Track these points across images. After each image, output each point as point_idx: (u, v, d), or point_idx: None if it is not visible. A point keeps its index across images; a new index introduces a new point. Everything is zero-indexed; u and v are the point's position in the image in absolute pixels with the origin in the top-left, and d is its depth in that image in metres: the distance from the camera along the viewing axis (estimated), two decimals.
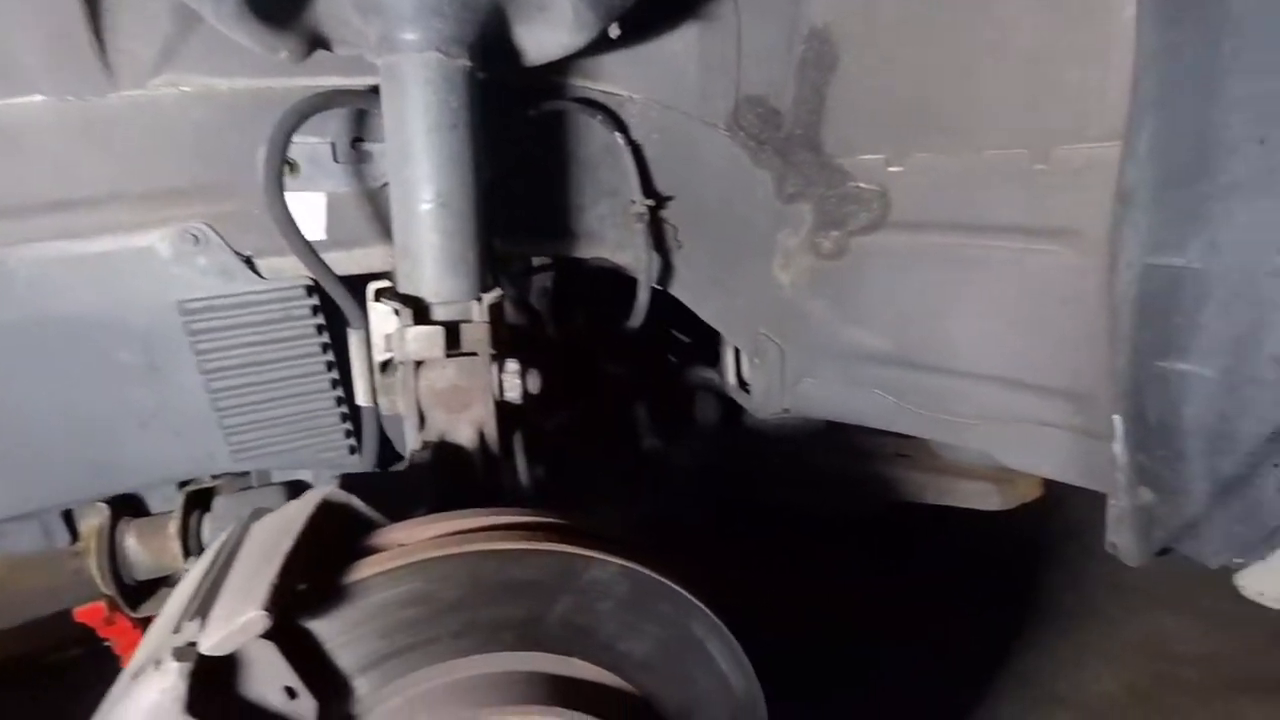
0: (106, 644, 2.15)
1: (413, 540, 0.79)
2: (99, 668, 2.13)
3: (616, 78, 1.47)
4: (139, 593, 1.49)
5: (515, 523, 0.81)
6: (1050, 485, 1.67)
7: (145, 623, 1.61)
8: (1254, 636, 2.02)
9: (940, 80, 1.26)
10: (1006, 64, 1.17)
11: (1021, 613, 2.20)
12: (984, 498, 1.58)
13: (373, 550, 0.78)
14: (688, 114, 1.52)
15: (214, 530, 1.48)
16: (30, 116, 1.14)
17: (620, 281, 1.68)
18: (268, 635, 0.67)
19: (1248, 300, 0.92)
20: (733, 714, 0.94)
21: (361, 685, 0.77)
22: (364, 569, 0.75)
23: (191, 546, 1.47)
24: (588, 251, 1.57)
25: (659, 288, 1.63)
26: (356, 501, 0.82)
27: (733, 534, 1.74)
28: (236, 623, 0.64)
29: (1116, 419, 1.07)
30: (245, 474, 1.59)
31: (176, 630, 0.67)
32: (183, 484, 1.51)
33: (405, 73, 1.08)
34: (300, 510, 0.78)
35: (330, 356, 1.39)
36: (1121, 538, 1.15)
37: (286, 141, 1.15)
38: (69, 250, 1.20)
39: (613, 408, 1.86)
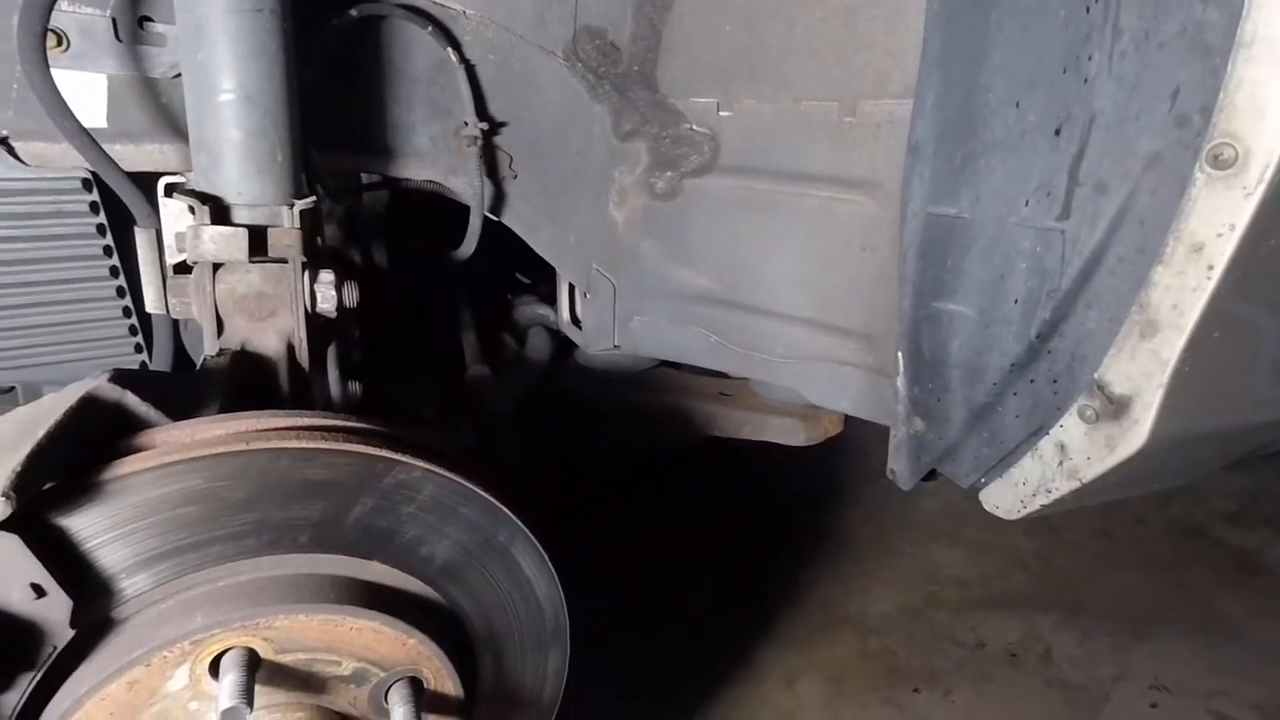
0: None
1: (196, 438, 0.75)
2: None
3: None
4: None
5: (314, 425, 0.80)
6: (855, 432, 1.87)
7: None
8: (1000, 562, 2.41)
9: (766, 28, 1.32)
10: (825, 17, 1.24)
11: (825, 545, 2.47)
12: (791, 433, 1.73)
13: (145, 448, 0.74)
14: (525, 38, 1.49)
15: None
16: None
17: (457, 208, 1.64)
18: (6, 527, 0.62)
19: (1000, 248, 1.02)
20: (535, 618, 0.99)
21: (128, 586, 0.73)
22: (129, 465, 0.71)
23: None
24: (417, 173, 1.52)
25: (492, 216, 1.61)
26: (130, 397, 0.76)
27: (548, 467, 1.80)
28: None
29: (899, 355, 1.19)
30: (10, 389, 1.42)
31: None
32: None
33: None
34: (59, 402, 0.72)
35: (115, 261, 1.26)
36: (899, 464, 1.28)
37: (49, 3, 1.00)
38: None
39: (440, 337, 1.83)
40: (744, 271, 1.55)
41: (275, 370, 1.04)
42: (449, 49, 1.40)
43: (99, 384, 0.75)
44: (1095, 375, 0.90)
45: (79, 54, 1.12)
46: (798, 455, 1.94)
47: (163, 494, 0.72)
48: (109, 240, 1.24)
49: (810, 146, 1.36)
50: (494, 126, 1.50)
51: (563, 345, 1.99)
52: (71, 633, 0.69)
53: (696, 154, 1.53)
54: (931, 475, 1.33)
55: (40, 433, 0.67)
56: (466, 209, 1.59)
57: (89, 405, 0.73)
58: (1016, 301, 1.03)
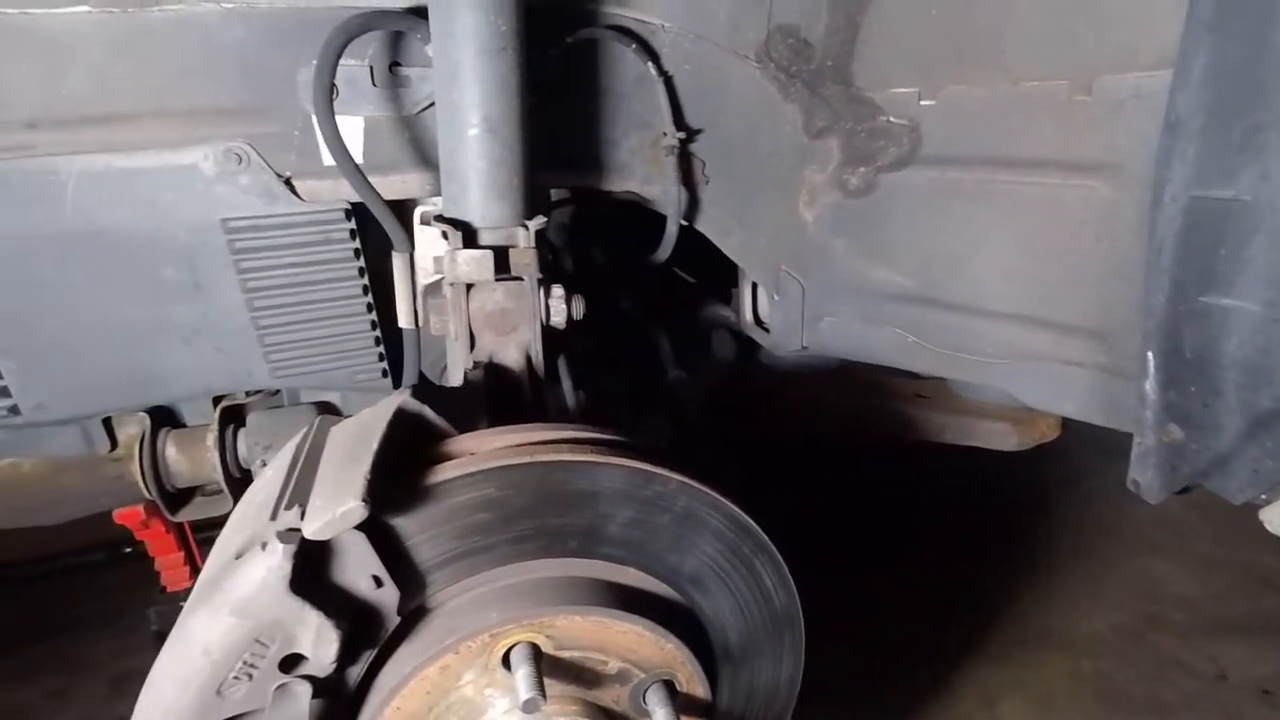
0: (129, 550, 2.25)
1: (483, 449, 0.84)
2: (116, 571, 2.23)
3: (649, 6, 1.45)
4: (177, 500, 1.56)
5: (581, 437, 0.86)
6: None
7: (179, 528, 1.69)
8: (1242, 580, 2.14)
9: (979, 9, 1.25)
10: None
11: (1018, 553, 2.31)
12: (1001, 438, 1.64)
13: (447, 457, 0.83)
14: (719, 44, 1.51)
15: (249, 444, 1.53)
16: (75, 27, 1.12)
17: (634, 218, 1.70)
18: (359, 526, 0.72)
19: None
20: (773, 629, 1.01)
21: (435, 581, 0.83)
22: (444, 472, 0.79)
23: (228, 458, 1.52)
24: (617, 185, 1.58)
25: (684, 223, 1.65)
26: (428, 411, 0.86)
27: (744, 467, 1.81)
28: (336, 512, 0.69)
29: (1149, 356, 1.09)
30: (276, 392, 1.63)
31: (273, 518, 0.72)
32: (216, 399, 1.55)
33: None
34: (379, 415, 0.82)
35: (366, 280, 1.42)
36: (1145, 475, 1.15)
37: (336, 60, 1.14)
38: (114, 164, 1.21)
39: (632, 342, 1.90)
40: (947, 267, 1.49)
41: (518, 381, 1.13)
42: (649, 63, 1.45)
43: (404, 399, 0.85)
44: None
45: (345, 100, 1.26)
46: (983, 453, 1.83)
47: (465, 500, 0.81)
48: (362, 263, 1.40)
49: (1031, 131, 1.27)
50: (690, 134, 1.53)
51: (746, 345, 2.00)
52: (398, 619, 0.79)
53: (894, 147, 1.48)
54: (1185, 489, 1.21)
55: (374, 444, 0.76)
56: (643, 218, 1.64)
57: (400, 418, 0.83)
58: None
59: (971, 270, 1.44)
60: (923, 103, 1.40)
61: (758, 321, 1.90)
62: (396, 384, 1.57)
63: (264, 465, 1.42)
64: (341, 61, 1.24)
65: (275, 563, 0.68)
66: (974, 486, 2.58)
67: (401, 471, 0.80)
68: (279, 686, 0.72)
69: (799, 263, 1.68)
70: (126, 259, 1.26)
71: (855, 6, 1.36)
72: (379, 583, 0.76)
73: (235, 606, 0.68)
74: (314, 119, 1.28)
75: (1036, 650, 1.98)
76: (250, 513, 0.80)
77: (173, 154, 1.23)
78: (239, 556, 0.70)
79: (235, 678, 0.70)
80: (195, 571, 1.69)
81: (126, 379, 1.36)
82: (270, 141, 1.28)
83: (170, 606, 1.63)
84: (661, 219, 1.59)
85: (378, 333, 1.48)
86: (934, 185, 1.43)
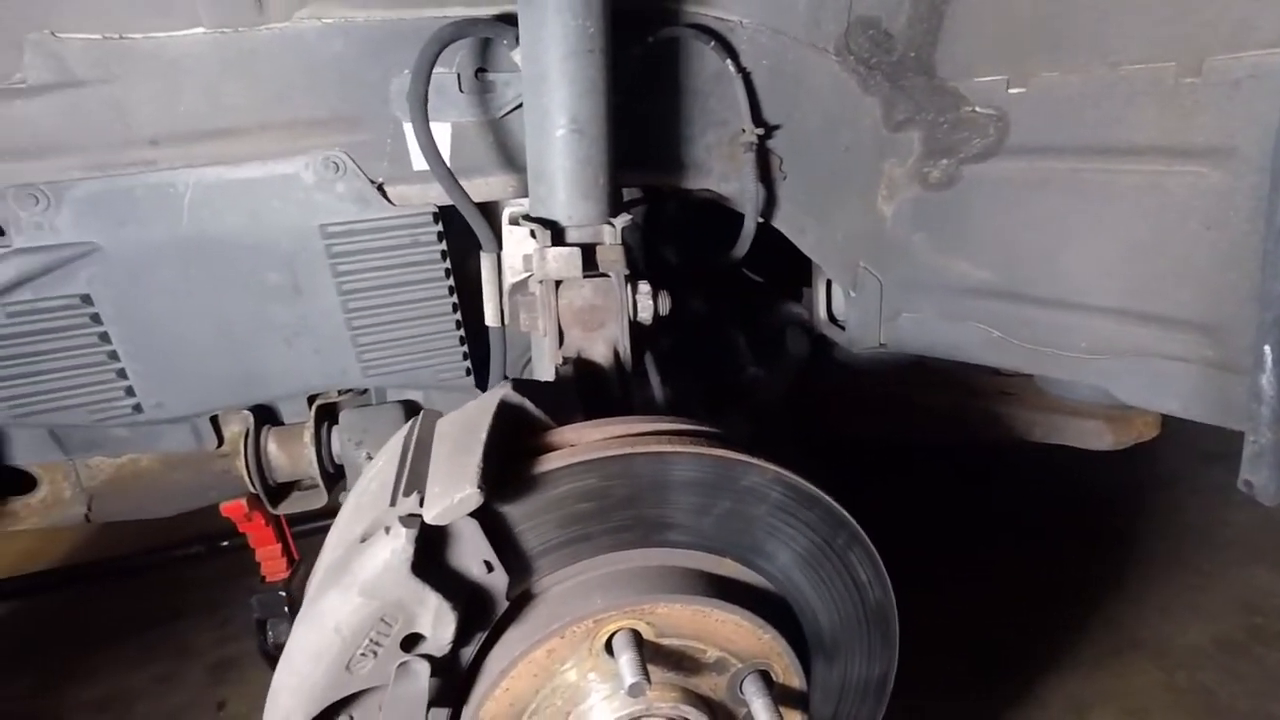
0: (225, 544, 2.37)
1: (584, 441, 0.86)
2: (215, 563, 2.35)
3: (728, 3, 1.46)
4: (277, 494, 1.64)
5: (679, 429, 0.87)
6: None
7: (277, 520, 1.77)
8: None
9: None
10: None
11: (1107, 557, 2.21)
12: (1095, 436, 1.58)
13: (548, 448, 0.85)
14: (797, 39, 1.50)
15: (342, 441, 1.60)
16: (192, 48, 1.20)
17: (703, 216, 1.70)
18: (473, 513, 0.75)
19: None
20: (866, 623, 1.00)
21: (541, 567, 0.85)
22: (550, 462, 0.82)
23: (323, 454, 1.60)
24: (694, 183, 1.59)
25: (760, 220, 1.64)
26: (529, 404, 0.88)
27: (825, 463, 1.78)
28: (454, 498, 0.72)
29: (1267, 349, 1.03)
30: (364, 391, 1.70)
31: (393, 504, 0.76)
32: (310, 398, 1.63)
33: None
34: (483, 408, 0.85)
35: (451, 281, 1.46)
36: (1259, 475, 1.09)
37: (431, 68, 1.19)
38: (225, 176, 1.28)
39: (705, 341, 1.90)
40: (1035, 260, 1.44)
41: (606, 376, 1.15)
42: (727, 60, 1.45)
43: (507, 392, 0.88)
44: None
45: (433, 107, 1.30)
46: (1065, 453, 1.76)
47: (568, 489, 0.83)
48: (448, 264, 1.45)
49: (1131, 116, 1.22)
50: (768, 130, 1.53)
51: (820, 340, 1.98)
52: (506, 604, 0.82)
53: (979, 137, 1.45)
54: None
55: (482, 435, 0.79)
56: (713, 216, 1.64)
57: (504, 411, 0.86)
58: None
59: (1063, 263, 1.39)
60: (1011, 91, 1.36)
61: (832, 319, 1.88)
62: (478, 382, 1.62)
63: (368, 458, 1.48)
64: (434, 70, 1.29)
65: (399, 545, 0.71)
66: (1057, 486, 2.48)
67: (508, 462, 0.83)
68: (400, 664, 0.75)
69: (877, 258, 1.65)
70: (235, 265, 1.34)
71: None
72: (490, 567, 0.78)
73: (363, 587, 0.71)
74: (405, 126, 1.33)
75: (1129, 659, 1.89)
76: (367, 501, 0.84)
77: (276, 164, 1.30)
78: (364, 540, 0.74)
79: (362, 654, 0.73)
80: (291, 562, 1.77)
81: (235, 379, 1.44)
82: (364, 149, 1.34)
83: (271, 595, 1.71)
84: (731, 217, 1.59)
85: (462, 332, 1.53)
86: (1022, 176, 1.40)
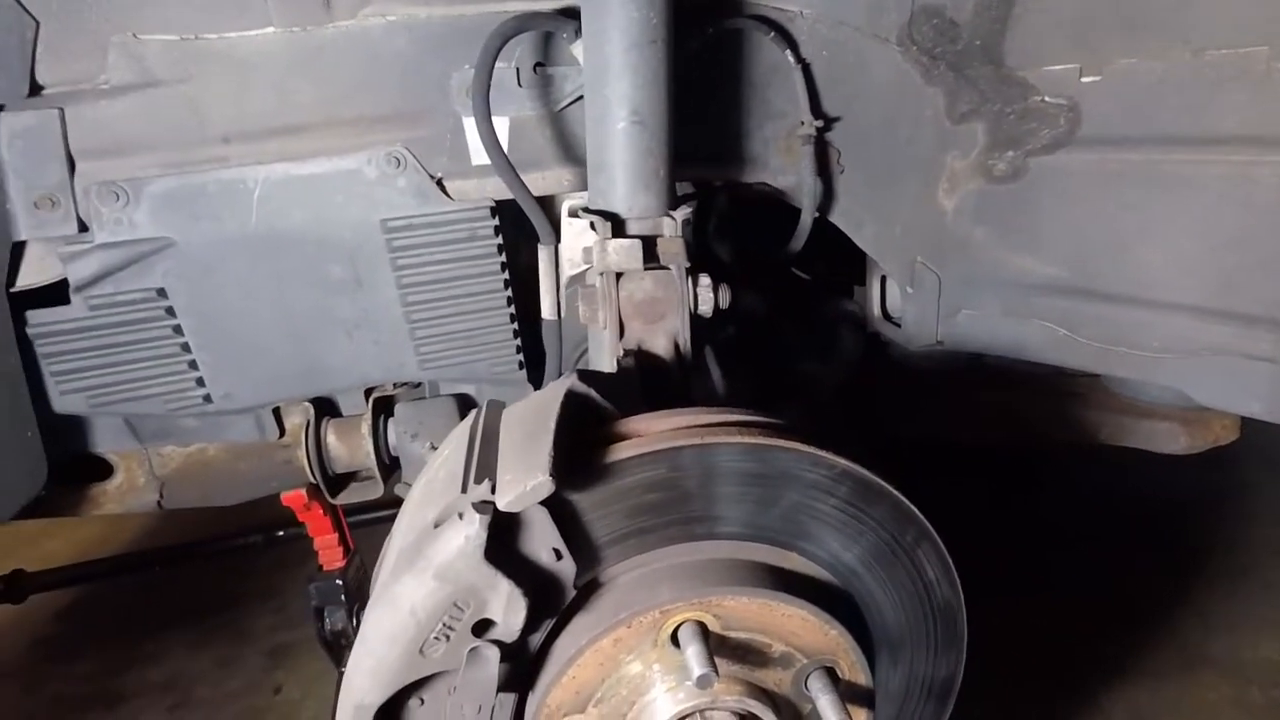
0: (281, 534, 2.43)
1: (651, 431, 0.85)
2: (273, 552, 2.41)
3: None
4: (336, 484, 1.67)
5: (747, 420, 0.86)
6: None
7: (334, 511, 1.81)
8: None
9: None
10: None
11: (1174, 567, 2.13)
12: (1168, 439, 1.52)
13: (616, 438, 0.85)
14: (858, 29, 1.47)
15: (397, 433, 1.63)
16: (263, 47, 1.23)
17: (755, 210, 1.68)
18: (543, 501, 0.75)
19: None
20: (932, 622, 0.97)
21: (608, 556, 0.85)
22: (619, 452, 0.82)
23: (380, 445, 1.62)
24: (751, 176, 1.57)
25: (817, 214, 1.62)
26: (595, 394, 0.88)
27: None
28: (527, 486, 0.72)
29: None
30: (418, 385, 1.73)
31: (464, 491, 0.76)
32: (366, 391, 1.66)
33: None
34: (550, 397, 0.85)
35: (506, 275, 1.48)
36: None
37: (493, 62, 1.20)
38: (292, 172, 1.31)
39: (758, 335, 1.88)
40: (1106, 255, 1.40)
41: (666, 368, 1.14)
42: (786, 51, 1.43)
43: (573, 383, 0.88)
44: None
45: (494, 102, 1.31)
46: (1129, 456, 1.69)
47: (635, 480, 0.83)
48: (504, 258, 1.46)
49: (1216, 104, 1.18)
50: (827, 123, 1.51)
51: (873, 337, 1.94)
52: (574, 592, 0.82)
53: (1048, 128, 1.41)
54: None
55: (551, 424, 0.79)
56: (760, 210, 1.61)
57: (572, 400, 0.86)
58: None
59: (1136, 258, 1.35)
60: (1084, 80, 1.32)
61: (887, 316, 1.85)
62: (530, 376, 1.63)
63: (432, 448, 1.50)
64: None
65: (472, 531, 0.72)
66: (1123, 490, 2.39)
67: (576, 451, 0.83)
68: (471, 649, 0.75)
69: (936, 254, 1.62)
70: (300, 259, 1.37)
71: None
72: (558, 555, 0.78)
73: (437, 571, 0.72)
74: (465, 121, 1.34)
75: (1197, 674, 1.82)
76: (437, 488, 0.84)
77: (341, 160, 1.33)
78: (437, 526, 0.74)
79: (435, 638, 0.74)
80: (347, 552, 1.81)
81: (298, 370, 1.47)
82: (424, 145, 1.36)
83: (328, 583, 1.74)
84: (782, 211, 1.57)
85: (516, 325, 1.54)
86: (1094, 168, 1.35)
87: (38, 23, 1.12)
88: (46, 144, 1.20)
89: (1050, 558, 2.18)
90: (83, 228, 1.26)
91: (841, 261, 1.88)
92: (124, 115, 1.22)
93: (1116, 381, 1.66)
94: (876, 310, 1.85)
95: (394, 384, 1.68)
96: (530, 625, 0.78)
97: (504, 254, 1.46)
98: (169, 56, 1.21)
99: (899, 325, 1.75)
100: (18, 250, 1.25)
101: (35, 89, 1.16)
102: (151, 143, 1.26)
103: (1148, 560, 2.17)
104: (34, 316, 1.29)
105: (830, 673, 0.89)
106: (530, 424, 0.82)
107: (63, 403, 1.37)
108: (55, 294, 1.30)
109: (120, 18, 1.16)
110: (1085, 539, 2.25)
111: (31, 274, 1.27)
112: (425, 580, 0.72)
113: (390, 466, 1.67)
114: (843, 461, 0.86)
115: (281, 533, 2.47)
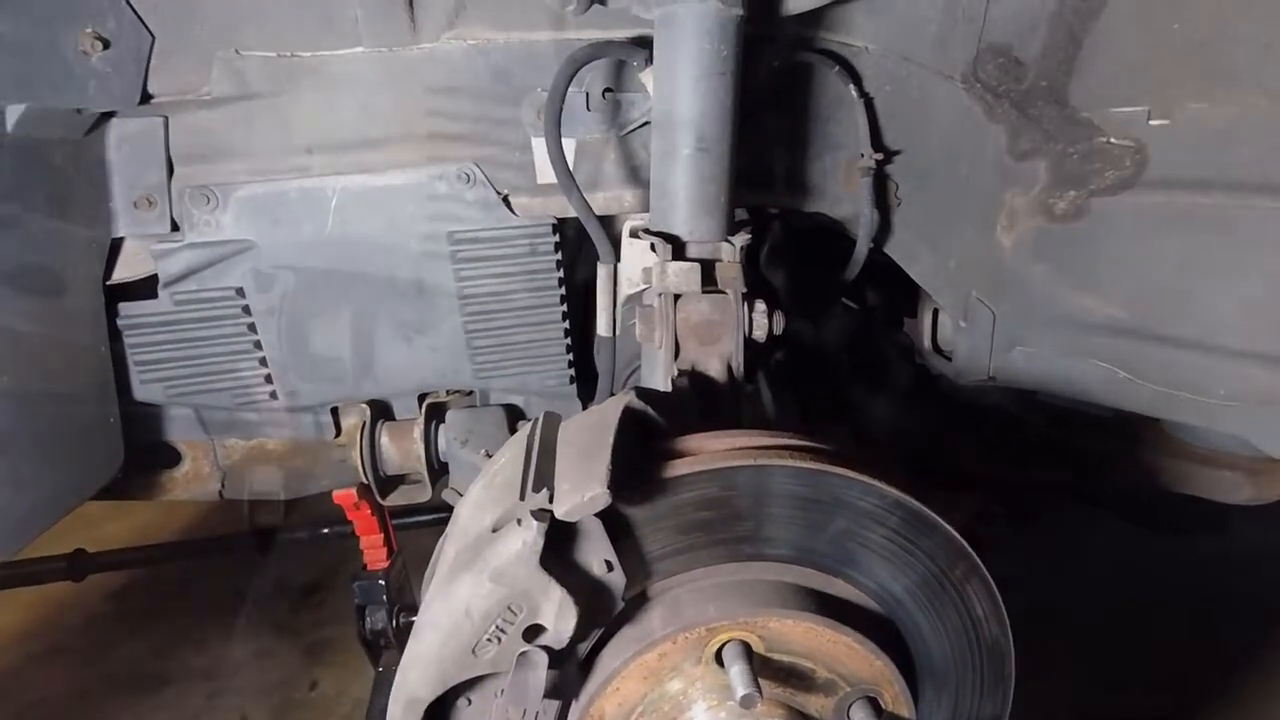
0: (325, 531, 2.50)
1: (707, 450, 0.87)
2: (316, 549, 2.48)
3: (854, 28, 1.46)
4: (386, 486, 1.72)
5: (799, 444, 0.87)
6: None
7: (382, 512, 1.86)
8: None
9: (1236, 19, 1.16)
10: None
11: (1234, 627, 2.04)
12: (1233, 489, 1.47)
13: (671, 455, 0.87)
14: (923, 65, 1.49)
15: (448, 439, 1.67)
16: (350, 65, 1.31)
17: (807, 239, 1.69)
18: (598, 513, 0.77)
19: None
20: (979, 660, 0.96)
21: (658, 571, 0.86)
22: (675, 469, 0.83)
23: (431, 450, 1.67)
24: (808, 205, 1.59)
25: (872, 245, 1.63)
26: (651, 411, 0.91)
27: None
28: (584, 496, 0.75)
29: None
30: (469, 393, 1.77)
31: (522, 498, 0.79)
32: (419, 397, 1.71)
33: (682, 21, 1.14)
34: (609, 412, 0.88)
35: (563, 290, 1.51)
36: None
37: (567, 87, 1.25)
38: (368, 183, 1.38)
39: (810, 361, 1.89)
40: (1170, 299, 1.37)
41: (719, 390, 1.16)
42: (850, 85, 1.46)
43: (631, 399, 0.91)
44: None
45: (563, 124, 1.37)
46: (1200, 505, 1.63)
47: (689, 497, 0.84)
48: (562, 274, 1.50)
49: None
50: (887, 156, 1.52)
51: (923, 370, 1.92)
52: (622, 604, 0.83)
53: (1113, 169, 1.39)
54: None
55: (609, 437, 0.82)
56: (810, 239, 1.62)
57: (629, 416, 0.88)
58: None
59: (1202, 303, 1.32)
60: (1152, 122, 1.31)
61: (937, 349, 1.83)
62: (580, 391, 1.66)
63: (486, 456, 1.54)
64: None
65: (530, 537, 0.74)
66: (1174, 541, 2.31)
67: (632, 466, 0.85)
68: (521, 653, 0.77)
69: (992, 289, 1.60)
70: (370, 266, 1.43)
71: (1079, 23, 1.30)
72: (610, 567, 0.80)
73: (494, 573, 0.74)
74: (534, 141, 1.39)
75: None
76: (494, 495, 0.87)
77: (415, 173, 1.39)
78: (495, 530, 0.77)
79: (488, 639, 0.76)
80: (391, 553, 1.85)
81: (360, 372, 1.53)
82: (493, 162, 1.41)
83: (371, 583, 1.79)
84: (836, 242, 1.58)
85: (569, 340, 1.57)
86: (1160, 211, 1.33)
87: (154, 37, 1.21)
88: (150, 148, 1.29)
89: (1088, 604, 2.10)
90: (174, 227, 1.34)
91: (892, 293, 1.88)
92: (220, 124, 1.31)
93: (1175, 426, 1.62)
94: (927, 343, 1.84)
95: (447, 391, 1.73)
96: (579, 634, 0.80)
97: (562, 270, 1.50)
98: (265, 71, 1.29)
99: (950, 359, 1.74)
100: (115, 246, 1.33)
101: (146, 98, 1.25)
102: (242, 151, 1.34)
103: (1213, 614, 2.08)
104: (125, 309, 1.38)
105: (874, 703, 0.88)
106: (589, 437, 0.85)
107: (143, 391, 1.45)
108: (144, 289, 1.38)
109: (225, 35, 1.25)
110: (1152, 591, 2.17)
111: (125, 269, 1.35)
112: (482, 581, 0.74)
113: (439, 471, 1.71)
114: (895, 492, 0.86)
115: (326, 530, 2.54)
